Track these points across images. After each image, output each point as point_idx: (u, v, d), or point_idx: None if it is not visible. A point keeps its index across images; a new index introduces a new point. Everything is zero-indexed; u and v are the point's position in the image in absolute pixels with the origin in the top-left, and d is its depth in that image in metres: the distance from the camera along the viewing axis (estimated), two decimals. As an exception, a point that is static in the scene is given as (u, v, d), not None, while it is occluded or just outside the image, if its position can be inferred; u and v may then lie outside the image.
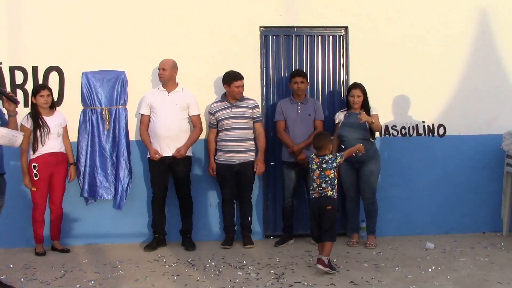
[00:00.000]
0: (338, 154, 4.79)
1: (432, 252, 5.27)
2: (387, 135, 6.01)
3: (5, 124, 4.22)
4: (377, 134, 5.74)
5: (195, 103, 5.59)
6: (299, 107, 5.66)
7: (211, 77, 5.88)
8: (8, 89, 5.61)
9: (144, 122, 5.58)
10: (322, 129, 5.64)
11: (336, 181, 4.75)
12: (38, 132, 5.28)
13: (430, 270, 4.68)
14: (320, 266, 4.58)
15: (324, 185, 4.70)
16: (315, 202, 4.75)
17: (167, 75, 5.51)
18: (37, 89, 5.38)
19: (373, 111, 5.55)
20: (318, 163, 4.73)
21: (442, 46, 6.06)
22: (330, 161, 4.70)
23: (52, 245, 5.55)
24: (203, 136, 5.83)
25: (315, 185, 4.75)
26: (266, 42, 6.01)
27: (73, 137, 5.66)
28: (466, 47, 6.10)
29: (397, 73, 6.01)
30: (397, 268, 4.76)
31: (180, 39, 5.84)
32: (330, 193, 4.70)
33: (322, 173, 4.70)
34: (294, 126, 5.64)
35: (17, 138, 4.02)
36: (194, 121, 5.59)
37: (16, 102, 4.17)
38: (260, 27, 5.95)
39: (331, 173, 4.70)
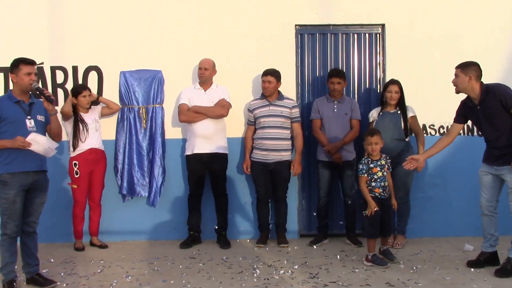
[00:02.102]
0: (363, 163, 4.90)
1: (471, 254, 5.14)
2: (425, 134, 5.90)
3: (48, 122, 4.36)
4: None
5: (226, 95, 5.61)
6: (335, 106, 5.61)
7: (247, 76, 5.90)
8: (50, 88, 5.78)
9: (184, 109, 5.57)
10: (358, 128, 5.59)
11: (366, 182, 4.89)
12: (77, 128, 5.42)
13: (468, 272, 4.58)
14: (364, 261, 4.85)
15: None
16: None
17: (208, 75, 5.57)
18: (78, 90, 5.48)
19: (410, 113, 5.48)
20: None
21: (481, 43, 5.91)
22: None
23: (91, 240, 5.68)
24: (240, 134, 5.87)
25: None
26: (301, 40, 5.99)
27: (111, 135, 5.80)
28: (507, 43, 5.94)
29: (435, 71, 5.90)
30: (434, 270, 4.68)
31: (216, 38, 5.88)
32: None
33: None
34: (330, 125, 5.60)
35: (51, 150, 4.19)
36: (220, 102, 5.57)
37: (51, 101, 4.26)
38: (296, 25, 5.93)
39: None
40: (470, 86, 4.46)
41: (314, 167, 5.89)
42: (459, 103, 4.75)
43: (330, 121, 5.60)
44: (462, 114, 4.69)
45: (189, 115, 5.53)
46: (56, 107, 4.47)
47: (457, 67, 4.57)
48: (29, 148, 4.04)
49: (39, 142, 4.10)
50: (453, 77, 4.59)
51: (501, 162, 4.42)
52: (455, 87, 4.58)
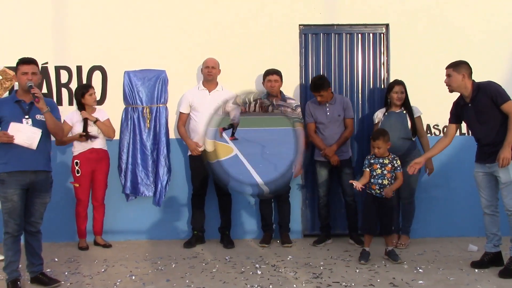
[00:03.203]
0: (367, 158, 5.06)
1: (475, 254, 5.13)
2: (429, 134, 5.88)
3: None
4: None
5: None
6: (327, 109, 5.56)
7: (251, 76, 5.90)
8: (54, 88, 5.80)
9: (182, 119, 5.66)
10: (352, 127, 5.61)
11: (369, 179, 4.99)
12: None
13: (472, 273, 4.57)
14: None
15: None
16: None
17: (215, 73, 5.59)
18: (86, 88, 5.49)
19: (417, 113, 5.50)
20: None
21: (486, 43, 5.90)
22: None
23: (95, 240, 5.69)
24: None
25: None
26: (305, 40, 5.99)
27: (115, 134, 5.79)
28: (511, 43, 5.92)
29: (439, 71, 5.83)
30: (438, 270, 4.67)
31: (220, 38, 5.88)
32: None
33: None
34: (325, 129, 5.57)
35: (35, 135, 4.14)
36: None
37: (34, 99, 4.09)
38: (299, 25, 5.93)
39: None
40: (463, 84, 4.55)
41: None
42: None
43: (324, 125, 5.57)
44: (455, 114, 4.76)
45: (182, 130, 5.65)
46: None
47: (448, 67, 4.65)
48: (13, 140, 4.04)
49: (20, 129, 4.08)
50: None
51: (493, 159, 4.45)
52: (448, 87, 4.66)
